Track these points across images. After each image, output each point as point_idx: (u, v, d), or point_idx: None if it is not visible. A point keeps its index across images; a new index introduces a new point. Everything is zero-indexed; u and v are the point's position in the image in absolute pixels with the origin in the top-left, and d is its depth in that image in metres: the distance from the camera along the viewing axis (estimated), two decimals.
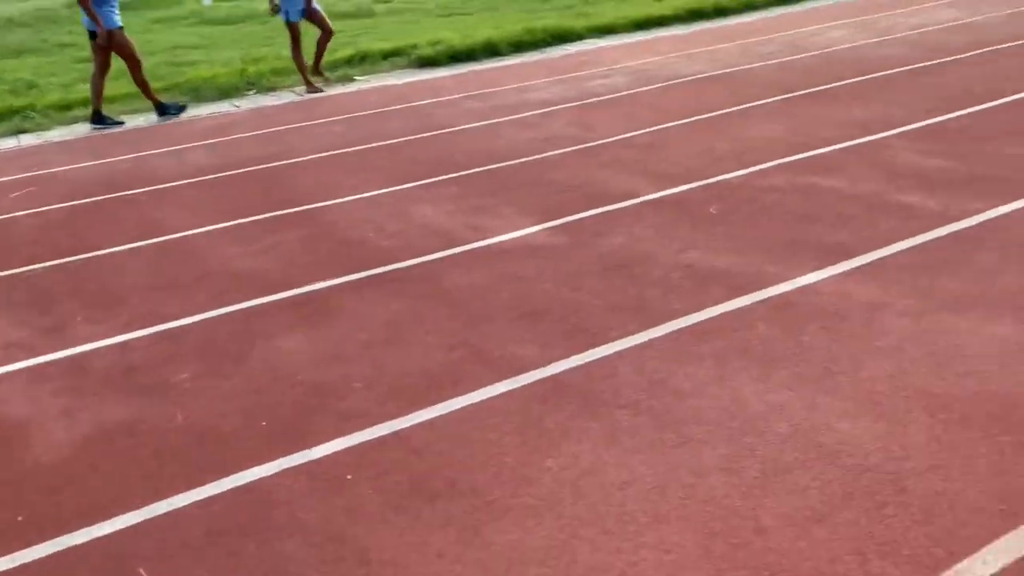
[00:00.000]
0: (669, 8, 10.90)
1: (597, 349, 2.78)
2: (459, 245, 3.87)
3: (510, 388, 2.57)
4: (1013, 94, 5.49)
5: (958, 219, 3.57)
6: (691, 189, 4.39)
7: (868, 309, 2.89)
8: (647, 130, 5.71)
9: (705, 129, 5.61)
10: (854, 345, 2.66)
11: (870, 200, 3.94)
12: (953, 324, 2.72)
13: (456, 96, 7.54)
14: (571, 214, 4.18)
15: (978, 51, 7.03)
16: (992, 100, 5.43)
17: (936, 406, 2.30)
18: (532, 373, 2.65)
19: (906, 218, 3.66)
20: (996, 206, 3.67)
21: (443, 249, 3.83)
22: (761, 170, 4.58)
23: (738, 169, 4.63)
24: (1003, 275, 3.03)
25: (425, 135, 6.20)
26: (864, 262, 3.28)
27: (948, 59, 6.89)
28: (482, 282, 3.43)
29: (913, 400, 2.33)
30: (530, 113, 6.58)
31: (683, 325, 2.92)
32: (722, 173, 4.60)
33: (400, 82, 8.51)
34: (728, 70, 7.50)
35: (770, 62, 7.69)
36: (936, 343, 2.62)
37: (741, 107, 6.05)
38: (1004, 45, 7.12)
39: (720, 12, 10.96)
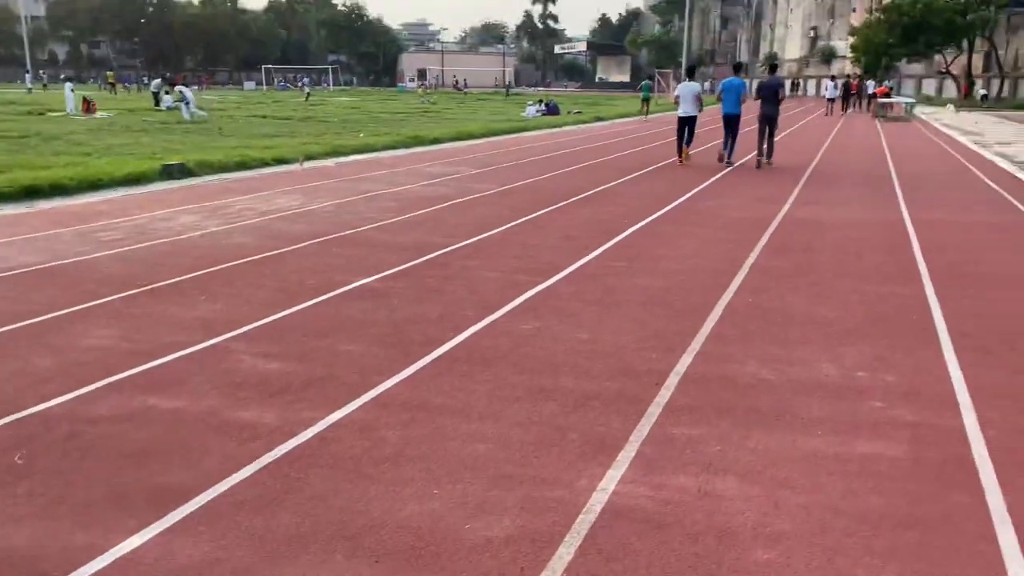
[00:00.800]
0: None
1: None
2: None
3: None
4: (342, 286, 5.98)
5: (294, 434, 3.51)
6: None
7: None
8: None
9: (23, 340, 4.75)
10: None
11: (209, 420, 3.66)
12: None
13: None
14: None
15: (313, 240, 7.66)
16: (325, 292, 5.82)
17: None
18: None
19: (245, 440, 3.46)
20: (330, 413, 3.73)
21: None
22: (90, 393, 3.97)
23: (61, 394, 3.93)
24: (335, 498, 2.99)
25: None
26: (198, 506, 2.93)
27: (289, 248, 7.32)
28: None
29: None
30: None
31: None
32: (40, 402, 3.84)
33: None
34: (61, 261, 6.71)
35: (113, 251, 7.16)
36: None
37: (68, 310, 5.35)
38: (334, 235, 7.91)
39: (60, 190, 10.05)
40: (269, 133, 21.51)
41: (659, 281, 6.23)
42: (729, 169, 14.20)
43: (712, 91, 27.43)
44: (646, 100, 34.04)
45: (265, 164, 13.93)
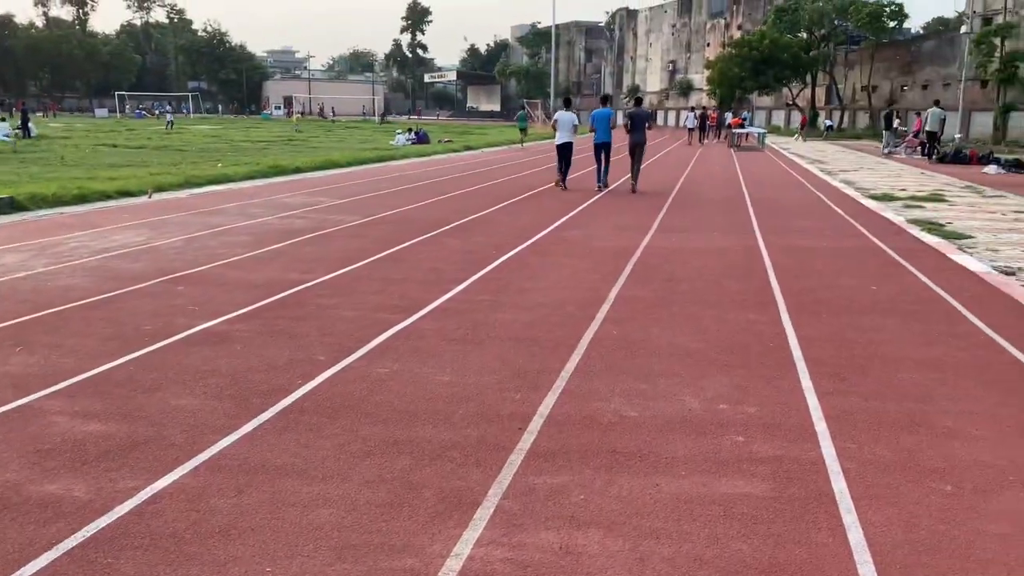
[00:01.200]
0: None
1: None
2: None
3: None
4: (183, 331, 5.48)
5: (108, 509, 3.06)
6: None
7: None
8: None
9: None
10: None
11: (4, 499, 3.15)
12: None
13: None
14: None
15: (156, 280, 7.05)
16: (164, 339, 5.30)
17: None
18: None
19: (46, 520, 2.98)
20: (153, 481, 3.30)
21: None
22: None
23: None
24: None
25: None
26: None
27: (126, 289, 6.70)
28: None
29: None
30: None
31: None
32: None
33: None
34: None
35: None
36: None
37: None
38: (179, 274, 7.32)
39: None
40: (118, 163, 20.23)
41: (525, 315, 6.07)
42: (599, 195, 14.53)
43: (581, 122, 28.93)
44: (523, 129, 34.77)
45: (108, 196, 12.94)
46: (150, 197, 13.27)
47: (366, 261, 8.07)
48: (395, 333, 5.51)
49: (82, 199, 12.49)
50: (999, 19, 42.88)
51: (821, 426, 3.94)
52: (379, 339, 5.35)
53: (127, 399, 4.24)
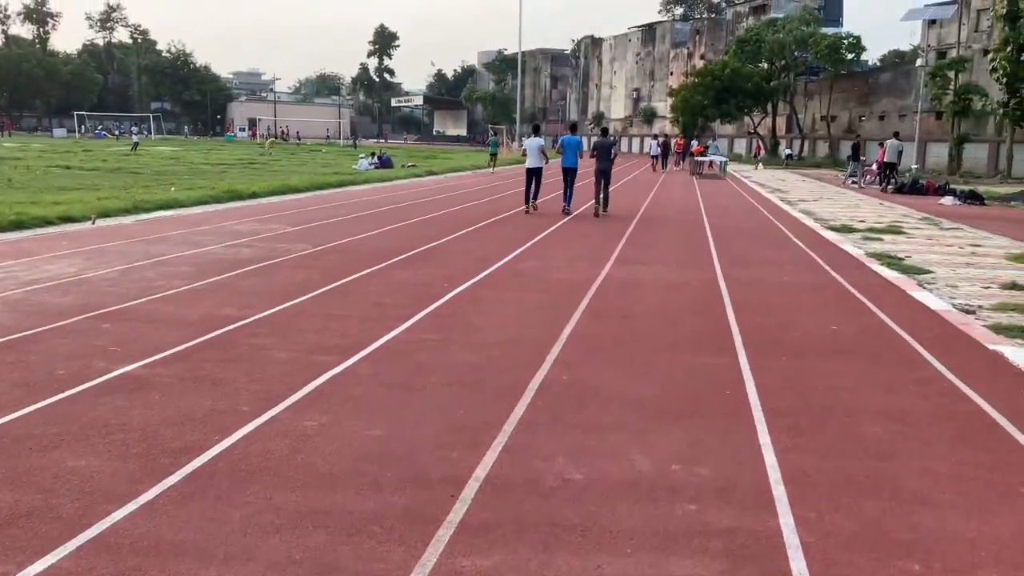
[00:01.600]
0: None
1: None
2: None
3: None
4: (99, 376, 5.05)
5: None
6: None
7: None
8: None
9: None
10: None
11: None
12: None
13: None
14: None
15: (81, 316, 6.60)
16: (76, 385, 4.87)
17: None
18: None
19: None
20: (26, 565, 2.89)
21: None
22: None
23: None
24: None
25: None
26: None
27: (48, 327, 6.24)
28: None
29: None
30: None
31: None
32: None
33: None
34: None
35: None
36: None
37: None
38: (109, 309, 6.87)
39: None
40: (67, 186, 19.60)
41: (472, 356, 5.75)
42: (561, 222, 14.47)
43: (553, 146, 29.93)
44: (493, 155, 34.98)
45: (48, 223, 12.38)
46: (94, 223, 12.74)
47: (310, 295, 7.68)
48: (330, 378, 5.14)
49: (19, 225, 11.92)
50: (953, 53, 43.94)
51: (779, 490, 3.66)
52: (311, 385, 4.98)
53: (19, 460, 3.81)
